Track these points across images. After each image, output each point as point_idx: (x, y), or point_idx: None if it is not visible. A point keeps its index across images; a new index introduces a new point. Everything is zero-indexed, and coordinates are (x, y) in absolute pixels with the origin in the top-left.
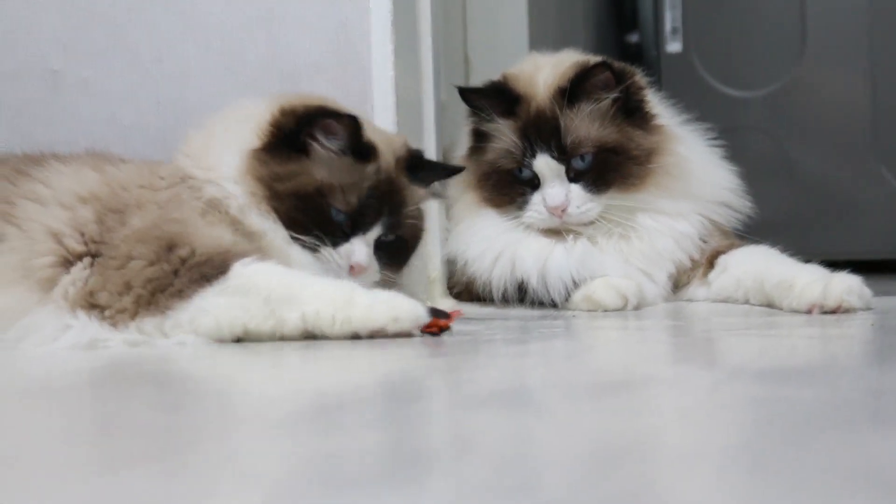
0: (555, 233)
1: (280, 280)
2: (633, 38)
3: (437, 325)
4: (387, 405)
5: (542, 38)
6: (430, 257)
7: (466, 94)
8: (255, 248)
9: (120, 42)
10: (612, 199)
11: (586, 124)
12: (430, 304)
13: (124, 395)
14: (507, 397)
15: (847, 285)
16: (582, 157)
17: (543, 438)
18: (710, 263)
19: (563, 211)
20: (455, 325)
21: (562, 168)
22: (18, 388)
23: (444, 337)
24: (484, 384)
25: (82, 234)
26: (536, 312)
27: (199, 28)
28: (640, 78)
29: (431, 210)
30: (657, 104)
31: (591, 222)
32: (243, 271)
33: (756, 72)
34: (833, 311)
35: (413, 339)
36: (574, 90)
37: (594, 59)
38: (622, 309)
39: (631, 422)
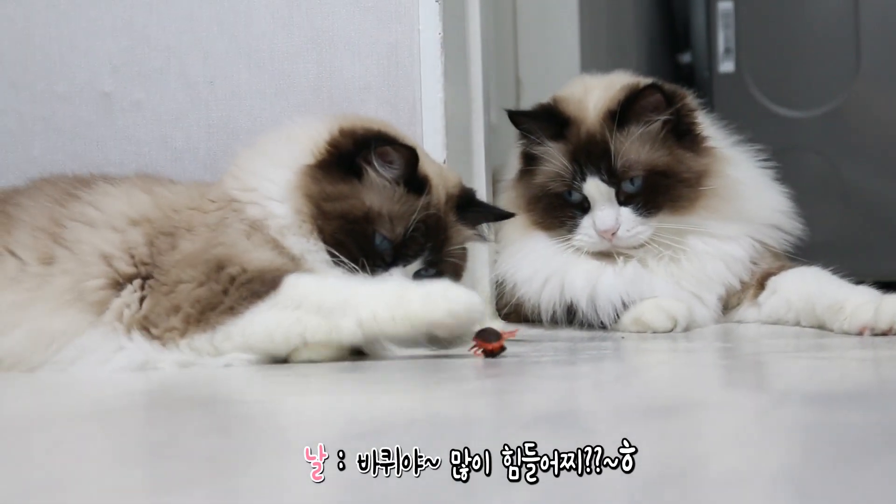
0: (605, 255)
1: (331, 288)
2: (686, 58)
3: (491, 347)
4: (433, 429)
5: (594, 58)
6: (478, 279)
7: (516, 116)
8: (300, 270)
9: (172, 64)
10: (663, 222)
11: (636, 147)
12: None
13: (174, 418)
14: (554, 420)
15: None
16: (632, 181)
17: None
18: (761, 285)
19: (614, 234)
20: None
21: (612, 191)
22: (71, 410)
23: (494, 358)
24: (531, 407)
25: (132, 257)
26: (585, 334)
27: (251, 51)
28: (690, 100)
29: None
30: (708, 126)
31: (642, 245)
32: (296, 283)
33: (810, 92)
34: (885, 334)
35: (464, 361)
36: (624, 113)
37: (644, 81)
38: (671, 331)
39: (679, 446)
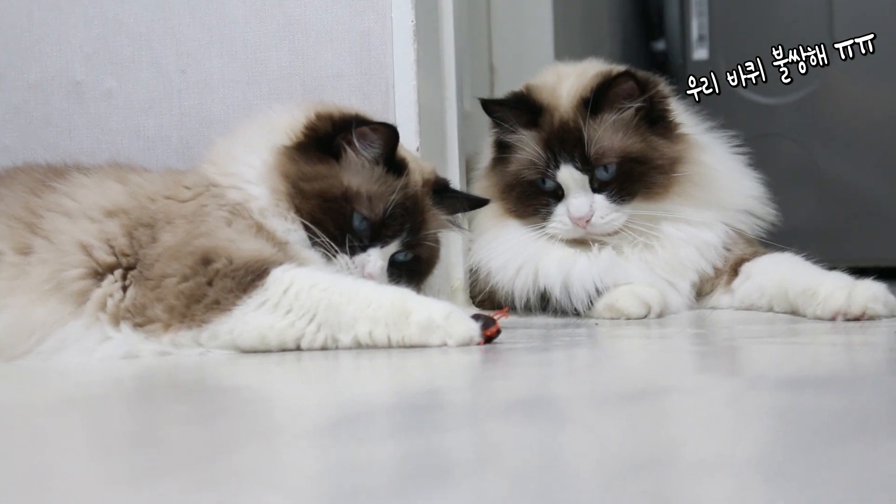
0: (579, 242)
1: (322, 289)
2: (660, 45)
3: (489, 333)
4: (410, 415)
5: (569, 45)
6: (452, 266)
7: (489, 105)
8: (283, 255)
9: (144, 53)
10: (637, 209)
11: (609, 134)
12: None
13: (156, 406)
14: (528, 406)
15: (872, 293)
16: (606, 168)
17: (564, 448)
18: (734, 271)
19: (588, 221)
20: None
21: (585, 178)
22: (53, 399)
23: (476, 345)
24: (505, 393)
25: (112, 247)
26: (559, 321)
27: (224, 39)
28: (663, 86)
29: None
30: (681, 112)
31: (616, 232)
32: (282, 278)
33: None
34: (857, 319)
35: (436, 348)
36: (597, 100)
37: (617, 68)
38: (645, 317)
39: (652, 431)
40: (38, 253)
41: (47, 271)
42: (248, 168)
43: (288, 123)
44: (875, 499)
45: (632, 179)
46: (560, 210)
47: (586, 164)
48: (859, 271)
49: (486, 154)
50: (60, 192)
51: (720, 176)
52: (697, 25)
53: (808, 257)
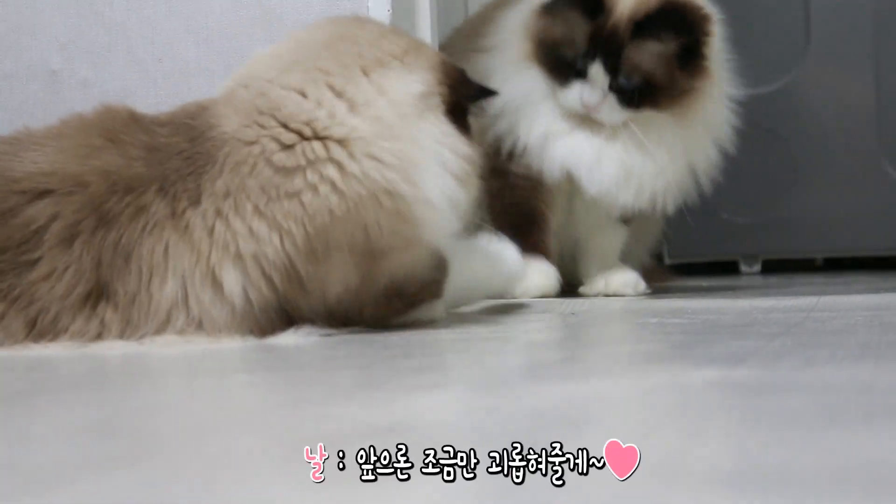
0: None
1: None
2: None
3: None
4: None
5: None
6: None
7: None
8: None
9: (120, 42)
10: (637, 116)
11: (646, 59)
12: None
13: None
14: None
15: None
16: (629, 80)
17: None
18: None
19: (594, 110)
20: None
21: (608, 79)
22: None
23: None
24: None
25: None
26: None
27: (200, 28)
28: (711, 26)
29: None
30: (716, 52)
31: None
32: None
33: (760, 69)
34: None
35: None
36: (649, 26)
37: None
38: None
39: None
40: None
41: None
42: None
43: None
44: None
45: (644, 96)
46: (574, 88)
47: (614, 70)
48: (837, 262)
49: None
50: None
51: (721, 116)
52: None
53: (785, 250)
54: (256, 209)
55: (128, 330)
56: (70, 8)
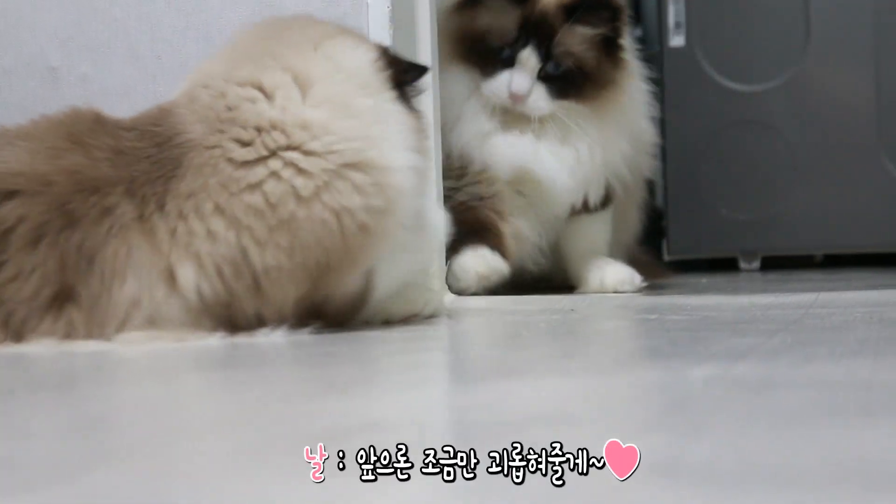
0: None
1: None
2: (637, 32)
3: None
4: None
5: None
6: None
7: None
8: None
9: (119, 38)
10: (563, 107)
11: (577, 42)
12: None
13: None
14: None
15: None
16: (558, 65)
17: None
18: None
19: (521, 100)
20: None
21: (538, 66)
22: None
23: None
24: None
25: None
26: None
27: (199, 25)
28: (625, 17)
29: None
30: (628, 44)
31: (540, 120)
32: None
33: (760, 65)
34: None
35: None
36: (579, 11)
37: None
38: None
39: None
40: None
41: None
42: None
43: None
44: None
45: (572, 84)
46: (502, 78)
47: (545, 56)
48: (836, 258)
49: None
50: None
51: (637, 110)
52: (674, 12)
53: (788, 246)
54: (217, 207)
55: (94, 330)
56: (70, 4)
